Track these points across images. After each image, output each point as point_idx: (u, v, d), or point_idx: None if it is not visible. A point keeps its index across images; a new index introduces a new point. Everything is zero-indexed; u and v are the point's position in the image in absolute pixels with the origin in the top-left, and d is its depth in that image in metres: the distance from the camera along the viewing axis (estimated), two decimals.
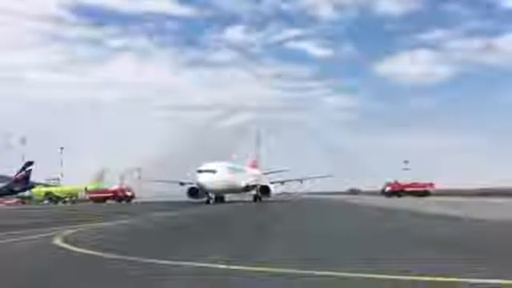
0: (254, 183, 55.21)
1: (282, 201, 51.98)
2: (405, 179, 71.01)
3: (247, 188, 54.69)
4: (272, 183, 57.27)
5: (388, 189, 68.33)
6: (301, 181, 63.45)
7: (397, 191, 66.45)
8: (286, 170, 61.72)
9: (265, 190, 53.55)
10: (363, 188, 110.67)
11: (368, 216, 21.06)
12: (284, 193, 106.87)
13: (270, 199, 53.13)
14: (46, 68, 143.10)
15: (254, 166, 67.28)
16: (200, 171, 45.28)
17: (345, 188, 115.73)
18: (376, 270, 5.83)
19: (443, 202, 35.72)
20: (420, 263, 6.41)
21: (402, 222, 16.46)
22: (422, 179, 69.31)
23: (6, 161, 72.27)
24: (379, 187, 75.52)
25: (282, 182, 61.88)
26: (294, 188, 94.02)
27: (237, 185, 51.75)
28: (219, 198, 52.81)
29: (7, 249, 9.72)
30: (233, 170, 51.09)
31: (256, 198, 53.03)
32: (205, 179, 44.60)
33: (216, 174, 45.12)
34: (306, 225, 15.79)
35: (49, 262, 7.59)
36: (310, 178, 63.34)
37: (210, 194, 46.04)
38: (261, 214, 24.47)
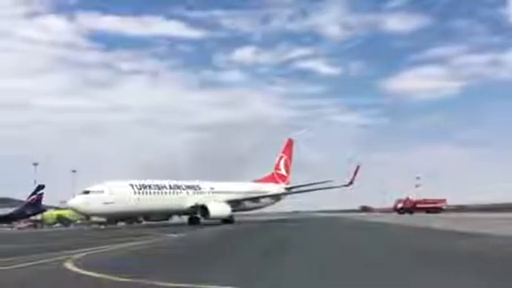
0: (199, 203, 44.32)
1: (261, 223, 43.99)
2: (417, 195, 70.45)
3: (195, 208, 44.56)
4: (238, 201, 47.40)
5: (399, 206, 67.56)
6: (276, 196, 54.66)
7: (408, 208, 65.63)
8: (329, 181, 50.88)
9: (204, 210, 43.18)
10: (374, 205, 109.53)
11: None
12: (294, 212, 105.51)
13: (246, 219, 47.63)
14: (58, 92, 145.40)
15: (273, 179, 59.66)
16: (82, 192, 37.89)
17: (355, 205, 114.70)
18: None
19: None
20: None
21: None
22: (434, 195, 68.75)
23: (18, 185, 72.92)
24: (390, 204, 74.74)
25: (255, 199, 50.90)
26: (305, 206, 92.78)
27: (168, 205, 43.20)
28: (195, 219, 46.09)
29: (16, 275, 9.79)
30: (153, 188, 41.99)
31: (227, 220, 43.75)
32: (77, 202, 36.82)
33: (102, 195, 36.97)
34: None
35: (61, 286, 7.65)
36: (297, 193, 55.40)
37: (94, 219, 38.41)
38: None
